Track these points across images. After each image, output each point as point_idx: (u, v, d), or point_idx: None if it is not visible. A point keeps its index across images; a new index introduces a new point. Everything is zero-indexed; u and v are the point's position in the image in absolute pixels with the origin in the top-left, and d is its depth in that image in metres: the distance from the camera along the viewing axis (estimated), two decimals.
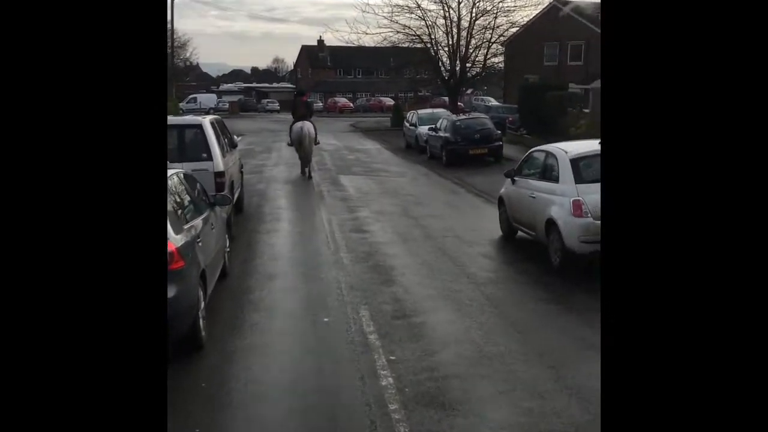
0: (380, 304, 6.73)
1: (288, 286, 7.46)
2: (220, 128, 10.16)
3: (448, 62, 35.53)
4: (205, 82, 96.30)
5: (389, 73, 68.76)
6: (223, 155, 9.27)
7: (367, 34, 34.78)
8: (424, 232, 10.21)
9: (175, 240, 5.21)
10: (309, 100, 18.41)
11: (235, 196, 10.36)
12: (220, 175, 8.87)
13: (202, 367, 5.22)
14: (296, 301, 6.91)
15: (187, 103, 58.12)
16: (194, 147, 8.95)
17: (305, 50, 79.08)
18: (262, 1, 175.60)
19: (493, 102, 60.81)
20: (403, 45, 34.53)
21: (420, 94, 66.34)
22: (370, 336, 5.81)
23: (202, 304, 5.63)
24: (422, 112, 25.39)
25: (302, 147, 16.31)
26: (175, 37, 43.74)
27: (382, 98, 64.97)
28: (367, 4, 37.19)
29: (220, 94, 72.59)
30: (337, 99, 65.21)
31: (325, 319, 6.29)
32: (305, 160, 16.57)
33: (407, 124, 25.31)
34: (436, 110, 25.94)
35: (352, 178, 16.87)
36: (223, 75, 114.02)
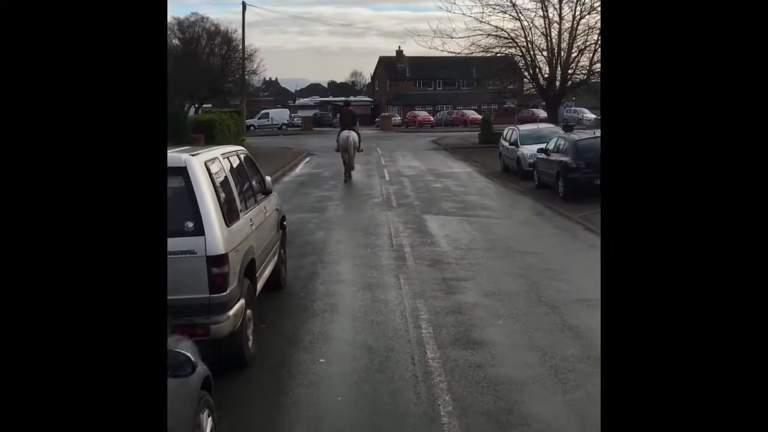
0: None
1: None
2: (239, 170, 6.11)
3: (546, 68, 30.77)
4: (283, 96, 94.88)
5: (471, 84, 64.54)
6: (230, 219, 5.16)
7: (452, 38, 30.06)
8: (588, 353, 5.72)
9: None
10: (353, 111, 20.53)
11: (260, 281, 6.22)
12: (218, 261, 4.74)
13: None
14: None
15: (258, 118, 55.54)
16: (173, 209, 4.88)
17: (383, 62, 75.60)
18: (341, 17, 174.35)
19: (588, 114, 55.46)
20: (495, 50, 29.94)
21: (505, 106, 61.55)
22: None
23: None
24: (524, 128, 20.81)
25: (347, 153, 18.67)
26: (243, 49, 40.86)
27: (465, 111, 60.51)
28: (453, 3, 32.13)
29: (295, 108, 70.03)
30: (416, 112, 61.18)
31: None
32: (348, 166, 18.95)
33: (505, 143, 20.79)
34: (541, 126, 21.31)
35: (443, 220, 12.54)
36: (301, 90, 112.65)
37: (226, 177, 5.46)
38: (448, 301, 7.25)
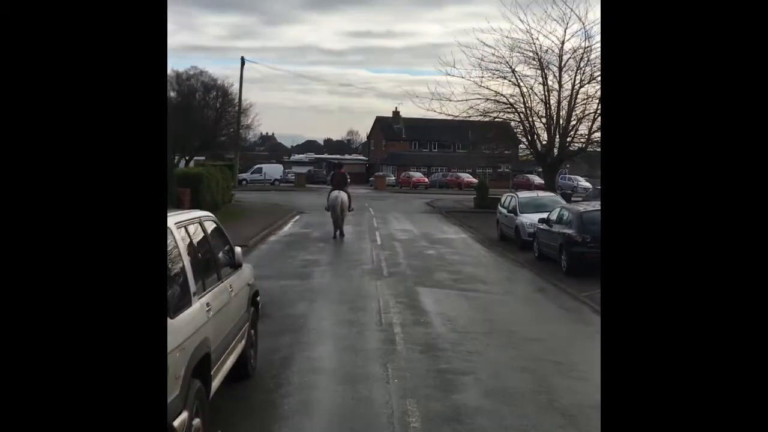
0: None
1: None
2: (199, 243, 5.09)
3: (544, 135, 30.27)
4: (278, 152, 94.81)
5: (466, 148, 64.44)
6: (177, 308, 4.10)
7: (450, 101, 29.61)
8: None
9: None
10: (345, 172, 20.94)
11: (218, 379, 5.10)
12: None
13: None
14: None
15: (251, 173, 54.85)
16: None
17: (379, 121, 75.87)
18: (340, 77, 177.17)
19: (583, 182, 55.04)
20: (493, 114, 29.49)
21: (500, 170, 61.28)
22: None
23: None
24: (523, 195, 20.00)
25: (335, 213, 18.93)
26: (239, 103, 40.48)
27: (459, 174, 60.18)
28: (453, 66, 31.50)
29: (289, 164, 69.63)
30: (411, 173, 60.79)
31: None
32: (337, 224, 19.10)
33: (503, 210, 19.94)
34: (541, 194, 20.52)
35: (437, 294, 11.48)
36: (296, 145, 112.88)
37: (178, 254, 4.43)
38: (445, 402, 6.12)
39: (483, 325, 9.26)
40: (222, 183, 26.58)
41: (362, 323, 9.10)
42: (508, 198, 20.29)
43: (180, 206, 21.43)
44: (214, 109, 37.44)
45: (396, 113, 72.69)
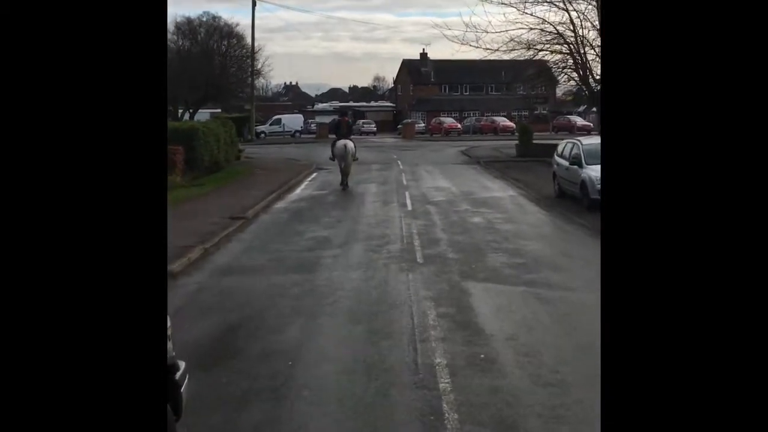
0: None
1: None
2: None
3: (598, 69, 25.98)
4: (302, 101, 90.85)
5: (500, 90, 59.85)
6: None
7: (488, 32, 25.35)
8: None
9: None
10: (349, 120, 20.79)
11: None
12: None
13: None
14: None
15: (270, 124, 51.14)
16: None
17: (406, 65, 71.23)
18: (365, 21, 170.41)
19: None
20: (537, 47, 25.26)
21: (536, 112, 56.73)
22: None
23: None
24: (588, 142, 16.06)
25: (345, 161, 18.24)
26: (252, 47, 36.57)
27: (495, 118, 55.74)
28: None
29: (313, 114, 65.75)
30: (442, 119, 56.54)
31: None
32: (345, 174, 18.44)
33: (562, 162, 16.10)
34: None
35: (496, 296, 7.89)
36: (321, 94, 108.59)
37: None
38: None
39: (582, 363, 5.67)
40: (225, 138, 23.05)
41: (386, 368, 5.57)
42: (568, 145, 16.41)
43: (171, 168, 18.01)
44: (220, 53, 33.65)
45: (423, 55, 68.00)
